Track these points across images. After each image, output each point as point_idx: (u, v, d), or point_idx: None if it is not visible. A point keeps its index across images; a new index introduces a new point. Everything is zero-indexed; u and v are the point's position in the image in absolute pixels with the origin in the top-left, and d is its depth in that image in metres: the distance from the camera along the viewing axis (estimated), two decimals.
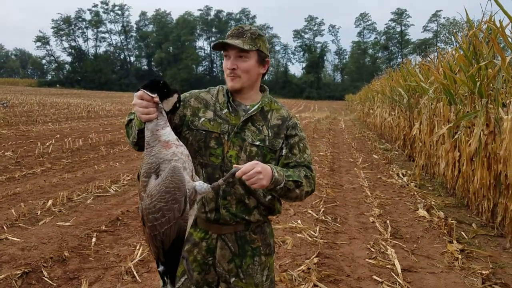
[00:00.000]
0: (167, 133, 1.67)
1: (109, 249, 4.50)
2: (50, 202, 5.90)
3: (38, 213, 5.50)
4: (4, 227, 4.94)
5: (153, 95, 1.64)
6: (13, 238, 4.59)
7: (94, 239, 4.68)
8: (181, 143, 1.72)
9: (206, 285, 2.04)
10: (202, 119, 1.99)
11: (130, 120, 1.92)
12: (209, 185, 1.72)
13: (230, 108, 2.00)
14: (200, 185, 1.70)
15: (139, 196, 1.71)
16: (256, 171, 1.69)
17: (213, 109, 2.01)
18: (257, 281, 2.02)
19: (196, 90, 2.13)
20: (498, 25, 5.25)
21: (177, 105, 1.75)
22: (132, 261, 4.10)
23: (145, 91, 1.64)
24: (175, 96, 1.73)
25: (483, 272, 4.15)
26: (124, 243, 4.70)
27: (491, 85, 5.55)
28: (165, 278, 1.69)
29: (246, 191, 1.94)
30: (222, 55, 2.08)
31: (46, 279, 3.74)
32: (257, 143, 1.96)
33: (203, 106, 2.03)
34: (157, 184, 1.59)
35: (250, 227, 2.03)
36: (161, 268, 1.67)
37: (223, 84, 2.10)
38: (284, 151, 2.01)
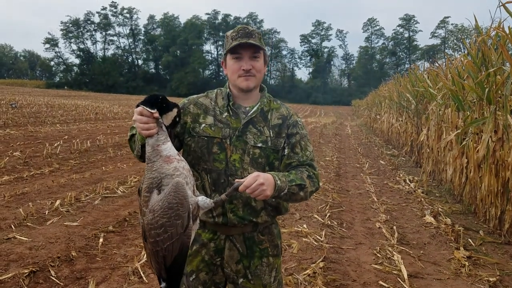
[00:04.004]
0: (168, 148, 1.68)
1: (116, 250, 4.52)
2: (58, 202, 5.94)
3: (46, 213, 5.54)
4: (12, 226, 4.98)
5: (152, 111, 1.65)
6: (21, 237, 4.62)
7: (101, 240, 4.71)
8: (182, 157, 1.73)
9: (214, 285, 2.05)
10: (203, 125, 1.99)
11: (133, 135, 1.93)
12: (212, 200, 1.72)
13: (230, 111, 2.00)
14: (203, 200, 1.70)
15: (140, 211, 1.71)
16: (258, 183, 1.69)
17: (213, 114, 2.01)
18: (265, 282, 2.03)
19: (194, 96, 2.12)
20: (507, 31, 5.24)
21: (177, 119, 1.76)
22: (139, 262, 4.12)
23: (145, 107, 1.65)
24: (175, 110, 1.73)
25: (490, 279, 4.13)
26: (131, 243, 4.72)
27: (500, 91, 5.53)
28: None
29: None
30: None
31: (53, 278, 3.77)
32: (260, 144, 1.97)
33: (203, 111, 2.02)
34: (159, 200, 1.58)
35: (258, 228, 2.03)
36: (163, 284, 1.67)
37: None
38: (286, 150, 2.01)
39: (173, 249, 1.59)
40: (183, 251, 1.63)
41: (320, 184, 2.20)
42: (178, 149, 2.01)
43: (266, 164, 1.99)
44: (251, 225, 2.01)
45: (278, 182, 1.79)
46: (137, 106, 1.67)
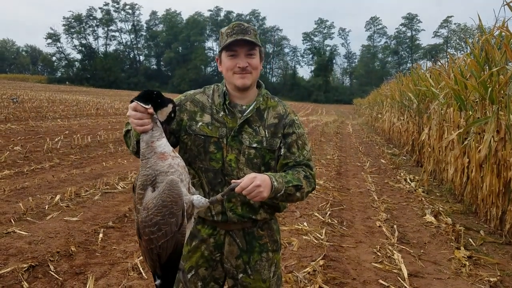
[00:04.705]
0: (163, 144, 1.65)
1: (115, 245, 4.51)
2: (58, 197, 5.93)
3: (46, 208, 5.53)
4: (12, 220, 4.97)
5: (146, 106, 1.62)
6: (20, 232, 4.62)
7: (101, 235, 4.70)
8: (177, 154, 1.71)
9: (213, 281, 2.05)
10: (200, 123, 1.96)
11: (128, 131, 1.91)
12: (207, 200, 1.71)
13: (226, 110, 1.97)
14: (198, 199, 1.69)
15: (134, 209, 1.69)
16: (255, 185, 1.68)
17: (210, 112, 1.98)
18: (265, 277, 2.02)
19: (191, 92, 2.09)
20: None
21: (172, 115, 1.73)
22: (138, 258, 4.11)
23: (139, 102, 1.62)
24: (170, 106, 1.71)
25: (491, 279, 4.11)
26: (130, 239, 4.71)
27: (503, 91, 5.50)
28: None
29: None
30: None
31: (52, 273, 3.76)
32: (255, 145, 1.94)
33: (200, 109, 2.00)
34: (153, 197, 1.57)
35: (258, 223, 2.03)
36: (158, 282, 1.66)
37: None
38: (282, 150, 1.99)
39: (168, 247, 1.59)
40: (178, 249, 1.62)
41: (317, 184, 2.18)
42: (174, 145, 1.99)
43: (262, 164, 1.97)
44: (250, 222, 2.00)
45: (275, 183, 1.77)
46: (132, 101, 1.65)
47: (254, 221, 2.00)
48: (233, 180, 1.75)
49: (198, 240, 2.02)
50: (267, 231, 2.06)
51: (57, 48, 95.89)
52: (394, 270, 4.27)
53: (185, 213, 1.60)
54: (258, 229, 2.03)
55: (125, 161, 9.44)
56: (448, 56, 9.39)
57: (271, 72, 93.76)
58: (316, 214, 6.06)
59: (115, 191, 6.68)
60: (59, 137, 11.79)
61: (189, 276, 2.01)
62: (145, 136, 1.65)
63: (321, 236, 5.13)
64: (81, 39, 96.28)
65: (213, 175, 1.94)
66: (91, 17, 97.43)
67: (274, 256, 2.07)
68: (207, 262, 2.02)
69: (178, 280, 2.02)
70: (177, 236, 1.59)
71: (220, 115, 1.97)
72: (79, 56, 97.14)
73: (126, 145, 1.97)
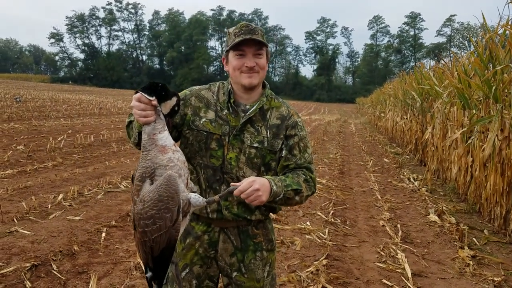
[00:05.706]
0: (164, 137, 1.65)
1: (118, 244, 4.51)
2: (60, 196, 5.94)
3: (49, 207, 5.54)
4: (15, 219, 4.98)
5: (151, 98, 1.61)
6: (23, 231, 4.62)
7: (103, 234, 4.70)
8: (178, 148, 1.70)
9: (208, 278, 2.04)
10: (204, 119, 1.96)
11: (131, 122, 1.90)
12: (204, 199, 1.70)
13: (230, 108, 1.96)
14: (195, 198, 1.68)
15: (132, 200, 1.70)
16: (253, 189, 1.67)
17: (214, 109, 1.98)
18: (259, 277, 2.02)
19: (197, 87, 2.08)
20: None
21: (176, 108, 1.72)
22: None
23: (143, 93, 1.61)
24: (174, 99, 1.69)
25: (495, 279, 4.09)
26: (133, 238, 4.70)
27: (507, 90, 5.47)
28: (153, 284, 1.68)
29: None
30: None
31: (55, 272, 3.76)
32: (256, 145, 1.94)
33: (204, 105, 1.99)
34: (150, 191, 1.57)
35: (253, 222, 2.02)
36: (149, 274, 1.66)
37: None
38: (283, 152, 1.98)
39: (161, 241, 1.59)
40: (171, 244, 1.62)
41: (319, 183, 2.17)
42: (176, 140, 1.99)
43: (262, 165, 1.96)
44: (245, 221, 2.00)
45: (274, 187, 1.77)
46: (136, 92, 1.64)
47: (248, 220, 1.99)
48: (232, 183, 1.75)
49: (192, 237, 2.01)
50: (262, 230, 2.05)
51: (60, 47, 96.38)
52: (397, 270, 4.25)
53: (181, 210, 1.60)
54: (253, 227, 2.02)
55: (128, 160, 9.44)
56: (451, 55, 9.35)
57: (273, 71, 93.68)
58: (319, 213, 6.04)
59: (118, 190, 6.68)
60: (62, 137, 11.81)
61: (183, 274, 2.01)
62: (147, 128, 1.64)
63: (324, 235, 5.12)
64: (84, 39, 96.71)
65: (212, 172, 1.94)
66: (94, 17, 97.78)
67: (268, 255, 2.06)
68: (201, 260, 2.01)
69: (173, 277, 1.99)
70: (171, 231, 1.59)
71: (224, 113, 1.96)
72: (82, 56, 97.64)
73: (127, 135, 1.96)
